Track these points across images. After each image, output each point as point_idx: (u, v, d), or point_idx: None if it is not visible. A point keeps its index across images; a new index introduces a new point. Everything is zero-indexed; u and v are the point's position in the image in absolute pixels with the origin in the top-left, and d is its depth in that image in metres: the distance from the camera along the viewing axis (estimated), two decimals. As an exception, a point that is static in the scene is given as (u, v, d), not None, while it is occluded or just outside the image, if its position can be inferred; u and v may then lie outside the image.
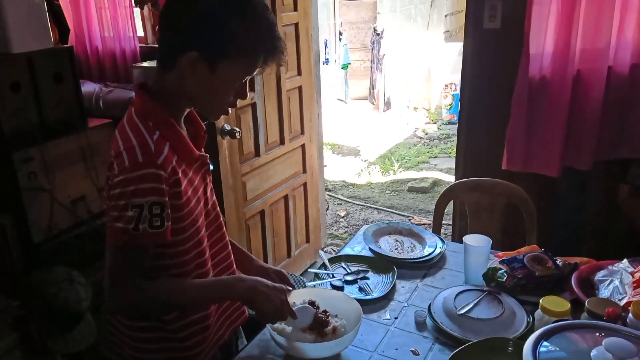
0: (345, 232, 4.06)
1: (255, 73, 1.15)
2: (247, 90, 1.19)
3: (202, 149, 1.26)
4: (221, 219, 1.32)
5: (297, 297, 1.32)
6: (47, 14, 2.04)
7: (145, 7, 3.12)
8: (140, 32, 3.35)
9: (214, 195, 1.31)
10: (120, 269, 1.07)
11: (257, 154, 2.76)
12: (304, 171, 3.18)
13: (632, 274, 1.34)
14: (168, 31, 1.11)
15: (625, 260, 1.41)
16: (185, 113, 1.20)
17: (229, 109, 1.19)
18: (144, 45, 3.33)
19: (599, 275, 1.41)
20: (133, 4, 3.12)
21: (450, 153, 5.76)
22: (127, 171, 1.04)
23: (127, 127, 1.11)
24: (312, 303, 1.32)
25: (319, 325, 1.27)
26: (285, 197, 3.02)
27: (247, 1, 1.08)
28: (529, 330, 1.25)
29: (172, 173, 1.09)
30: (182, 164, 1.14)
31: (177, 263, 1.17)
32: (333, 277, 1.62)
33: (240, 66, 1.11)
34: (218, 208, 1.31)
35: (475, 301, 1.39)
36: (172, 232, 1.11)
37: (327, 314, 1.31)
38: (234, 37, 1.06)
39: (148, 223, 1.04)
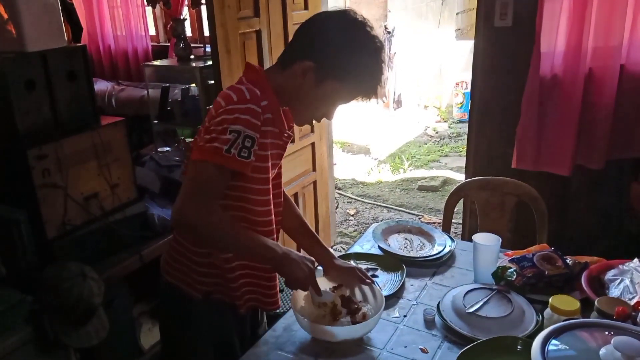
0: (355, 231, 4.06)
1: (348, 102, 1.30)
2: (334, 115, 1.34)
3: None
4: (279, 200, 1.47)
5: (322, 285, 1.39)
6: (61, 13, 2.06)
7: (157, 6, 3.15)
8: (152, 31, 3.38)
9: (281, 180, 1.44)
10: (199, 187, 1.15)
11: (268, 152, 2.77)
12: (314, 169, 3.18)
13: (643, 273, 1.34)
14: (299, 38, 1.27)
15: (636, 260, 1.41)
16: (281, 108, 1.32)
17: (313, 122, 1.36)
18: (155, 44, 3.35)
19: (609, 275, 1.41)
20: (145, 3, 3.15)
21: (460, 151, 5.74)
22: (233, 103, 1.17)
23: (235, 85, 1.23)
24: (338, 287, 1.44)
25: (347, 306, 1.37)
26: (295, 195, 3.03)
27: (373, 47, 1.23)
28: (539, 329, 1.25)
29: (265, 122, 1.21)
30: (271, 127, 1.26)
31: (245, 208, 1.30)
32: (342, 274, 1.63)
33: (341, 92, 1.26)
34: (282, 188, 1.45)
35: (485, 300, 1.40)
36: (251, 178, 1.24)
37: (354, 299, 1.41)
38: (349, 67, 1.21)
39: (238, 150, 1.14)
